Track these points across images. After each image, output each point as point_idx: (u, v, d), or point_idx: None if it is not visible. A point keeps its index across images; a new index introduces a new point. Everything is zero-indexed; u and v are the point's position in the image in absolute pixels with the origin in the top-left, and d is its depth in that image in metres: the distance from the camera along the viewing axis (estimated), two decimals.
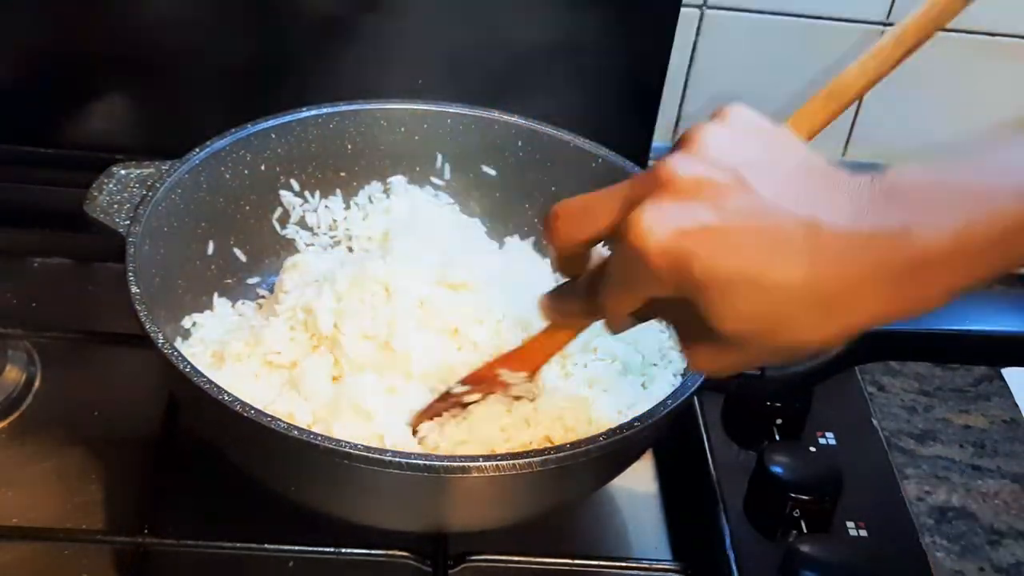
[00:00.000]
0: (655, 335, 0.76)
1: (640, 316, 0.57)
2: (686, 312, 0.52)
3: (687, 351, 0.56)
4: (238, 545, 0.73)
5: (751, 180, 0.51)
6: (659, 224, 0.51)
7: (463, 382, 0.70)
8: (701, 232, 0.50)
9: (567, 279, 0.61)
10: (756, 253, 0.50)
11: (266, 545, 0.73)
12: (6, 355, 0.86)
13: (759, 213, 0.50)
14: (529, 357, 0.68)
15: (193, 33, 0.94)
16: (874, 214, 0.50)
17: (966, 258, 0.50)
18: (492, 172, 0.87)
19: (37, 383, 0.86)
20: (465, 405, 0.69)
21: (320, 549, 0.73)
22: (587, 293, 0.58)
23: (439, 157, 0.87)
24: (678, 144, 0.54)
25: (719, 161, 0.52)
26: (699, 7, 1.00)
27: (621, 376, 0.74)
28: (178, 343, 0.75)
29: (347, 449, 0.62)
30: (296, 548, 0.73)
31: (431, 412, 0.70)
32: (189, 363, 0.65)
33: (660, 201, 0.51)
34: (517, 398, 0.70)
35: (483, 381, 0.69)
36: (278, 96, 0.85)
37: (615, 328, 0.59)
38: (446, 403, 0.70)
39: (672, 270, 0.51)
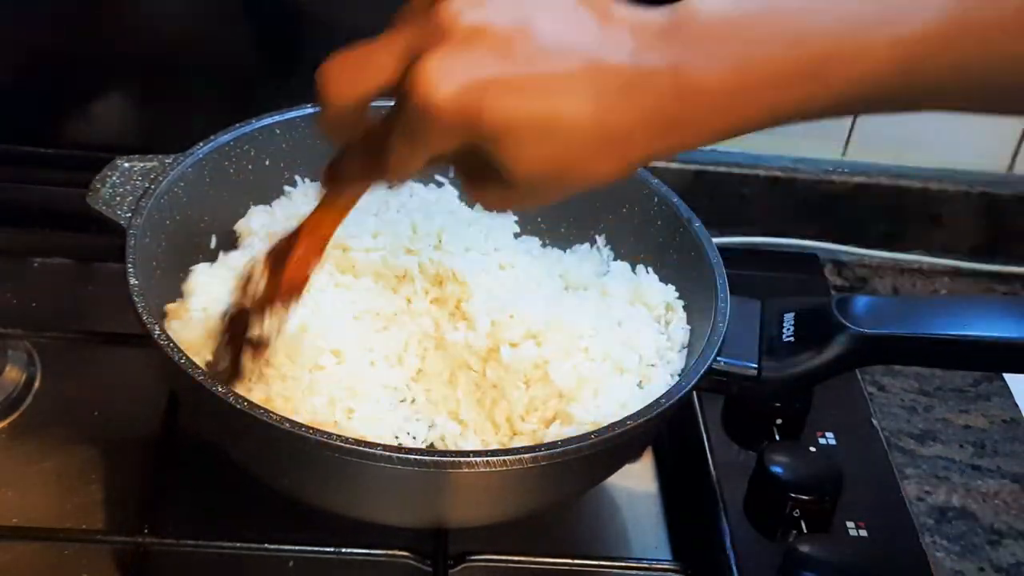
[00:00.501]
0: (654, 336, 0.76)
1: (424, 167, 0.56)
2: (473, 159, 0.52)
3: (474, 195, 0.57)
4: (238, 545, 0.73)
5: (533, 23, 0.51)
6: (447, 77, 0.50)
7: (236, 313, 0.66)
8: (490, 82, 0.50)
9: (338, 143, 0.59)
10: (545, 98, 0.50)
11: (266, 545, 0.73)
12: (6, 355, 0.86)
13: (544, 57, 0.50)
14: (313, 237, 0.64)
15: (193, 33, 0.94)
16: (652, 50, 0.51)
17: (734, 100, 0.51)
18: None
19: (37, 383, 0.86)
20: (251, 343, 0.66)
21: (320, 549, 0.73)
22: (366, 154, 0.56)
23: None
24: None
25: (499, 6, 0.51)
26: None
27: (615, 376, 0.74)
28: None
29: (338, 443, 0.62)
30: (296, 548, 0.73)
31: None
32: (184, 355, 0.65)
33: (444, 52, 0.50)
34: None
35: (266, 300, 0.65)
36: (278, 96, 0.85)
37: (399, 180, 0.57)
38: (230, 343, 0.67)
39: (462, 123, 0.50)
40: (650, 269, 0.81)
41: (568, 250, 0.84)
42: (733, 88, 0.50)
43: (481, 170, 0.53)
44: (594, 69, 0.51)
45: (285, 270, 0.64)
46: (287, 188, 0.84)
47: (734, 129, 0.52)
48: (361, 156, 0.57)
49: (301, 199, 0.82)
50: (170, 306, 0.74)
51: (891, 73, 0.50)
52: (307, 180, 0.84)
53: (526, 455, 0.63)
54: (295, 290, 0.65)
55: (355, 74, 0.54)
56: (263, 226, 0.80)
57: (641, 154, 0.53)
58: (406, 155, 0.54)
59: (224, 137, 0.81)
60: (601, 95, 0.51)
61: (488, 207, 0.58)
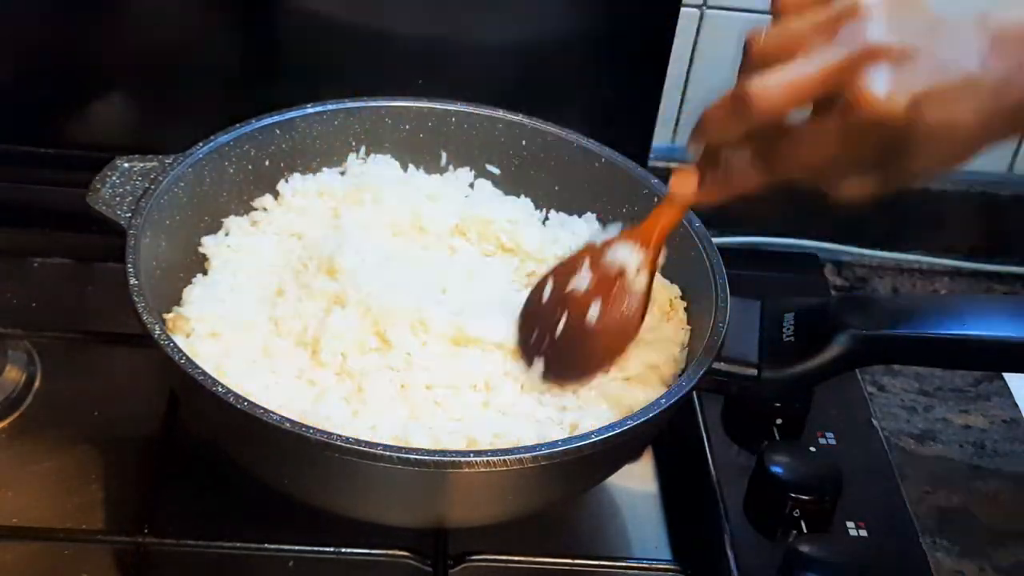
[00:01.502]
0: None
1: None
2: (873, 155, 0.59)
3: (843, 189, 0.62)
4: (238, 545, 0.73)
5: (919, 42, 0.57)
6: (893, 90, 0.56)
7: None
8: (925, 94, 0.56)
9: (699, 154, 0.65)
10: (957, 107, 0.57)
11: (266, 545, 0.73)
12: (6, 355, 0.86)
13: (943, 72, 0.57)
14: (646, 232, 0.70)
15: (193, 34, 0.94)
16: (995, 61, 0.57)
17: None
18: (495, 170, 0.87)
19: (37, 383, 0.86)
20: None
21: (320, 549, 0.73)
22: (759, 154, 0.62)
23: (443, 155, 0.87)
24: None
25: (888, 23, 0.57)
26: (699, 7, 1.00)
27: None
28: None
29: (338, 442, 0.62)
30: (296, 548, 0.73)
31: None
32: (184, 355, 0.65)
33: (878, 69, 0.56)
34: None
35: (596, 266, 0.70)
36: (278, 97, 0.85)
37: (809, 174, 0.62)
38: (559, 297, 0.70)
39: (907, 127, 0.57)
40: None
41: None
42: None
43: (866, 165, 0.60)
44: (972, 81, 0.57)
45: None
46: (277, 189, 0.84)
47: None
48: (755, 155, 0.63)
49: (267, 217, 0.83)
50: (167, 316, 0.74)
51: None
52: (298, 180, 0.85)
53: (526, 455, 0.63)
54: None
55: (787, 88, 0.59)
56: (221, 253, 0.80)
57: (980, 149, 0.59)
58: (830, 157, 0.60)
59: (224, 137, 0.81)
60: (978, 105, 0.57)
61: (848, 197, 0.62)
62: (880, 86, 0.56)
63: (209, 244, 0.79)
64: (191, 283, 0.77)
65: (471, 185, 0.87)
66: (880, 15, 0.57)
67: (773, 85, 0.58)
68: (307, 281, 0.75)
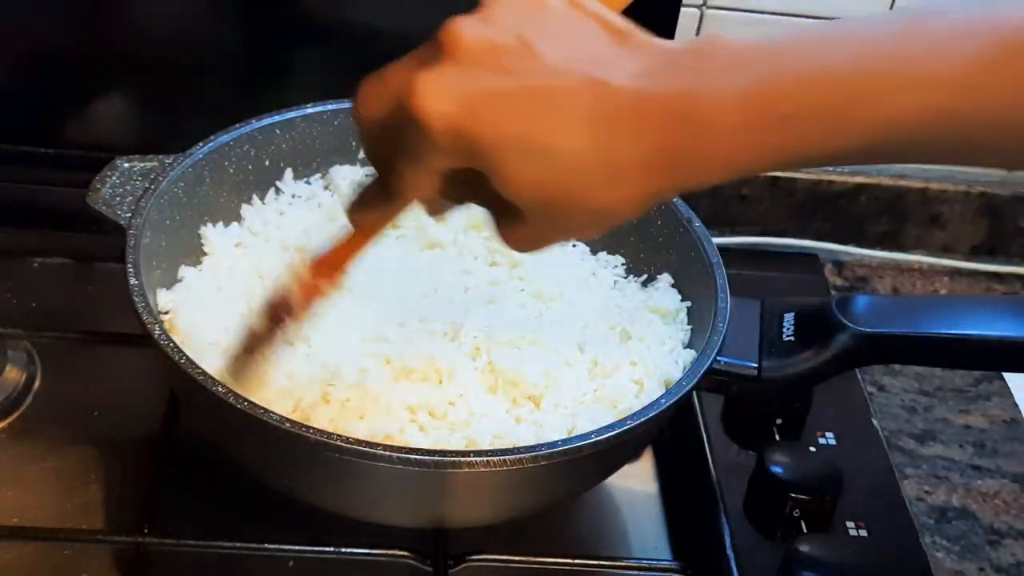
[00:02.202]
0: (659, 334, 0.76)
1: (449, 196, 0.55)
2: (485, 188, 0.51)
3: (499, 233, 0.54)
4: (238, 545, 0.73)
5: (538, 41, 0.49)
6: (437, 90, 0.49)
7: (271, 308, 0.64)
8: (482, 97, 0.48)
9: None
10: (540, 117, 0.48)
11: (266, 545, 0.73)
12: (6, 355, 0.86)
13: (543, 76, 0.48)
14: (335, 262, 0.62)
15: (193, 33, 0.94)
16: (663, 75, 0.48)
17: (745, 133, 0.47)
18: None
19: (37, 383, 0.86)
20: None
21: (320, 549, 0.73)
22: (385, 184, 0.55)
23: None
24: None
25: (505, 22, 0.50)
26: (699, 7, 1.00)
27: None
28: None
29: (337, 442, 0.62)
30: (296, 548, 0.73)
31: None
32: (184, 355, 0.65)
33: (441, 67, 0.49)
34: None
35: (289, 304, 0.63)
36: (278, 97, 0.85)
37: (431, 211, 0.57)
38: (259, 338, 0.65)
39: (454, 137, 0.49)
40: (660, 276, 0.81)
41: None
42: (744, 120, 0.47)
43: (500, 204, 0.52)
44: (597, 91, 0.48)
45: (298, 292, 0.63)
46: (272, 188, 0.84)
47: (745, 166, 0.49)
48: (381, 187, 0.56)
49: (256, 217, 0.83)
50: (166, 316, 0.74)
51: (915, 119, 0.46)
52: (295, 180, 0.85)
53: (526, 455, 0.63)
54: (298, 315, 0.64)
55: (378, 92, 0.54)
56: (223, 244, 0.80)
57: (648, 187, 0.50)
58: (409, 173, 0.52)
59: (224, 137, 0.81)
60: (601, 117, 0.48)
61: (516, 248, 0.55)
62: (425, 83, 0.49)
63: (208, 236, 0.80)
64: (180, 279, 0.77)
65: None
66: (496, 6, 0.50)
67: (367, 81, 0.54)
68: None
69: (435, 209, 0.58)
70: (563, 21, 0.51)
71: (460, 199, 0.56)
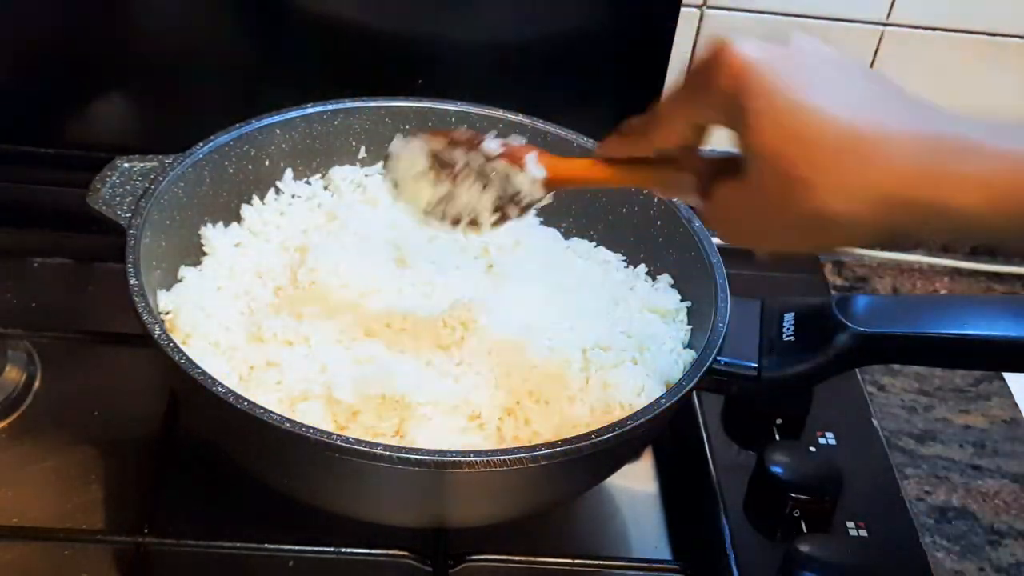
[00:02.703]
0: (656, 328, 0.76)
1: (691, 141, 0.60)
2: (715, 166, 0.57)
3: (710, 202, 0.59)
4: (238, 545, 0.73)
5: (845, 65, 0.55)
6: (749, 46, 0.55)
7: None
8: (773, 58, 0.54)
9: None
10: (818, 87, 0.53)
11: (266, 545, 0.73)
12: (6, 355, 0.86)
13: (837, 81, 0.54)
14: (560, 167, 0.67)
15: (193, 33, 0.94)
16: (936, 124, 0.53)
17: (986, 206, 0.51)
18: None
19: (37, 383, 0.86)
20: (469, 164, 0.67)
21: (320, 549, 0.73)
22: (648, 116, 0.61)
23: None
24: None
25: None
26: (699, 7, 1.00)
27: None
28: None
29: (338, 442, 0.62)
30: (296, 548, 0.73)
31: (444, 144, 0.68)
32: (185, 355, 0.65)
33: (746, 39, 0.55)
34: (512, 198, 0.67)
35: (509, 154, 0.67)
36: (278, 97, 0.85)
37: (664, 141, 0.61)
38: (462, 146, 0.67)
39: (741, 74, 0.54)
40: (660, 276, 0.81)
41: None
42: (986, 197, 0.51)
43: (722, 175, 0.57)
44: (879, 105, 0.54)
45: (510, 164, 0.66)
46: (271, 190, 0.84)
47: (962, 233, 0.55)
48: (639, 118, 0.62)
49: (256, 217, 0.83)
50: (166, 316, 0.74)
51: None
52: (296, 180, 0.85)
53: (526, 455, 0.63)
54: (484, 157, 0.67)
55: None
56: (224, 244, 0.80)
57: (879, 210, 0.53)
58: (675, 100, 0.59)
59: (224, 137, 0.81)
60: (861, 111, 0.53)
61: (724, 225, 0.60)
62: (740, 40, 0.55)
63: (208, 236, 0.80)
64: (180, 280, 0.77)
65: None
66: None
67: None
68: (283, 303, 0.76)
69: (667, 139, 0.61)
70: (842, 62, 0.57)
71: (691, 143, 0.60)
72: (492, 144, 0.67)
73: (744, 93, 0.54)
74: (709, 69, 0.56)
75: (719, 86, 0.55)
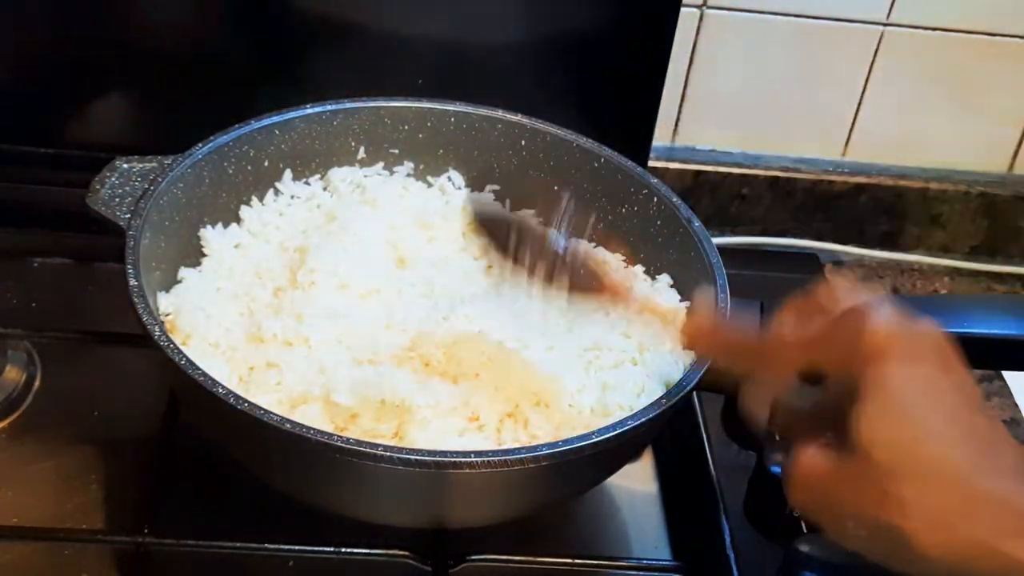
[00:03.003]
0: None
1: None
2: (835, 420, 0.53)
3: (806, 462, 0.55)
4: (238, 545, 0.73)
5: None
6: (892, 315, 0.52)
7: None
8: (910, 344, 0.52)
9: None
10: (938, 436, 0.51)
11: (266, 545, 0.73)
12: (6, 355, 0.86)
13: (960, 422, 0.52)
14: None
15: (193, 33, 0.94)
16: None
17: None
18: (495, 171, 0.87)
19: (37, 383, 0.86)
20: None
21: (320, 549, 0.73)
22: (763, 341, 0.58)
23: (441, 155, 0.87)
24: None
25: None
26: (699, 7, 1.01)
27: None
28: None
29: (338, 443, 0.62)
30: (296, 548, 0.73)
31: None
32: (185, 355, 0.65)
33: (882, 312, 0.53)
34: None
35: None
36: (278, 97, 0.85)
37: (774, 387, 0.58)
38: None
39: (868, 342, 0.52)
40: (660, 276, 0.81)
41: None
42: None
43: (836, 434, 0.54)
44: (982, 460, 0.52)
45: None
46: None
47: None
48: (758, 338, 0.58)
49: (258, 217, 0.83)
50: (167, 317, 0.74)
51: None
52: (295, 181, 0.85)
53: (526, 455, 0.63)
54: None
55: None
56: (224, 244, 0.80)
57: (973, 542, 0.52)
58: (795, 343, 0.55)
59: (223, 138, 0.81)
60: (978, 471, 0.51)
61: (804, 488, 0.56)
62: (885, 309, 0.52)
63: (208, 238, 0.80)
64: (180, 280, 0.77)
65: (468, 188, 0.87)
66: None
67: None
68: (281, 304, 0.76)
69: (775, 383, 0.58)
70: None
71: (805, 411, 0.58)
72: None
73: (875, 375, 0.52)
74: (840, 331, 0.53)
75: (850, 351, 0.53)
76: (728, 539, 0.75)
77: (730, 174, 1.07)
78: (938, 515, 0.52)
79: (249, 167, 0.82)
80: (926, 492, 0.52)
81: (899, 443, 0.52)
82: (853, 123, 1.08)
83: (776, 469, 0.76)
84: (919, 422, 0.52)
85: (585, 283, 0.70)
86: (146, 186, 0.76)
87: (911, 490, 0.52)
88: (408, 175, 0.87)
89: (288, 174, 0.84)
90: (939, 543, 0.52)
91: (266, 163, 0.83)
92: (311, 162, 0.85)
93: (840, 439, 0.53)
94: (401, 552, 0.73)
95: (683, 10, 0.95)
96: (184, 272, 0.78)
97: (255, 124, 0.82)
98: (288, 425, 0.62)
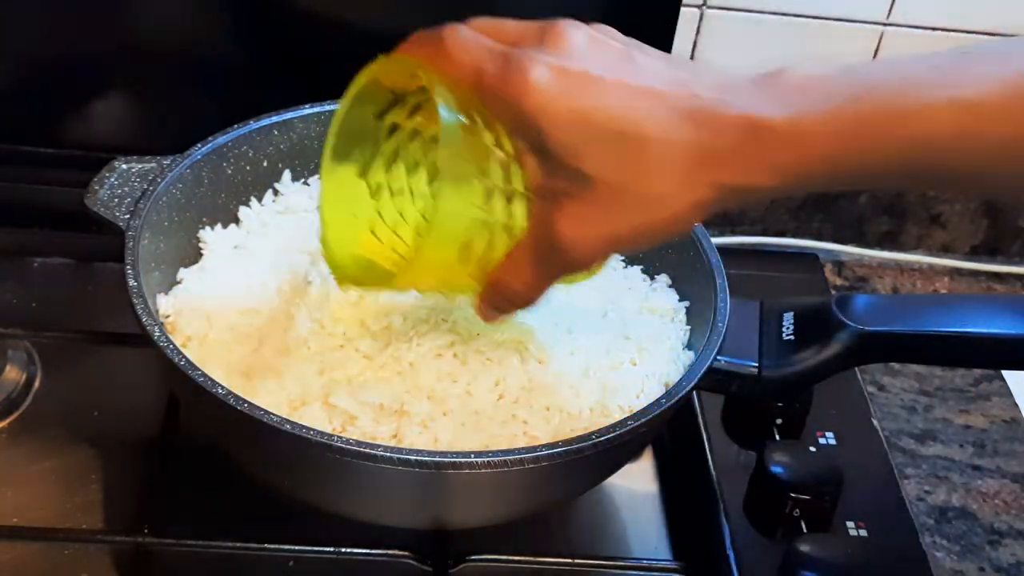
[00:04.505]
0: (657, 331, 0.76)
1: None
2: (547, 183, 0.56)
3: (557, 222, 0.57)
4: (238, 545, 0.73)
5: (636, 52, 0.57)
6: (542, 67, 0.54)
7: None
8: (576, 75, 0.54)
9: None
10: (624, 101, 0.54)
11: (266, 545, 0.73)
12: (6, 355, 0.86)
13: (636, 73, 0.55)
14: None
15: (193, 34, 0.94)
16: (732, 94, 0.55)
17: (795, 143, 0.54)
18: None
19: (37, 383, 0.86)
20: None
21: (320, 549, 0.73)
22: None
23: None
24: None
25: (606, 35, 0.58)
26: (699, 7, 1.00)
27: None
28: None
29: (338, 444, 0.62)
30: (296, 548, 0.73)
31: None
32: (184, 356, 0.65)
33: (550, 52, 0.55)
34: None
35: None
36: (277, 97, 0.85)
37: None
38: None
39: (540, 105, 0.54)
40: (659, 276, 0.81)
41: None
42: (795, 131, 0.53)
43: (558, 192, 0.56)
44: (677, 93, 0.54)
45: None
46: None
47: (794, 174, 0.55)
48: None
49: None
50: (167, 319, 0.74)
51: (949, 137, 0.52)
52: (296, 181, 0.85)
53: (526, 455, 0.63)
54: None
55: (477, 49, 0.57)
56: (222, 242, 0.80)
57: (703, 184, 0.55)
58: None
59: (222, 138, 0.81)
60: (673, 113, 0.54)
61: (572, 235, 0.57)
62: (530, 58, 0.54)
63: (207, 239, 0.80)
64: (179, 281, 0.77)
65: None
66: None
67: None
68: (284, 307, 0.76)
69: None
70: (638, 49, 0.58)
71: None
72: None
73: (545, 124, 0.54)
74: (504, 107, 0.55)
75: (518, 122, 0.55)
76: (728, 539, 0.76)
77: None
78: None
79: (248, 167, 0.82)
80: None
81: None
82: None
83: (776, 469, 0.76)
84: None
85: None
86: (145, 186, 0.76)
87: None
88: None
89: (287, 175, 0.84)
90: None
91: (265, 163, 0.83)
92: (310, 162, 0.85)
93: None
94: (401, 552, 0.73)
95: (683, 10, 0.95)
96: (183, 273, 0.78)
97: (254, 124, 0.82)
98: (288, 426, 0.62)
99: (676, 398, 0.68)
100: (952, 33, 1.02)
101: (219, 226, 0.81)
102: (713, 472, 0.80)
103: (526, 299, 0.62)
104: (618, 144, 0.54)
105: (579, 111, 0.54)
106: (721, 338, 0.71)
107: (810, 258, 1.07)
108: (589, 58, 0.55)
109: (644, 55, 0.57)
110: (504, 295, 0.62)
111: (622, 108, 0.54)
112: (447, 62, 0.57)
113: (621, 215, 0.56)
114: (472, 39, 0.57)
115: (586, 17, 0.96)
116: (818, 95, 0.54)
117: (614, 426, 0.65)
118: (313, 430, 0.63)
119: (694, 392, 0.71)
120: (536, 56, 0.54)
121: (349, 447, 0.62)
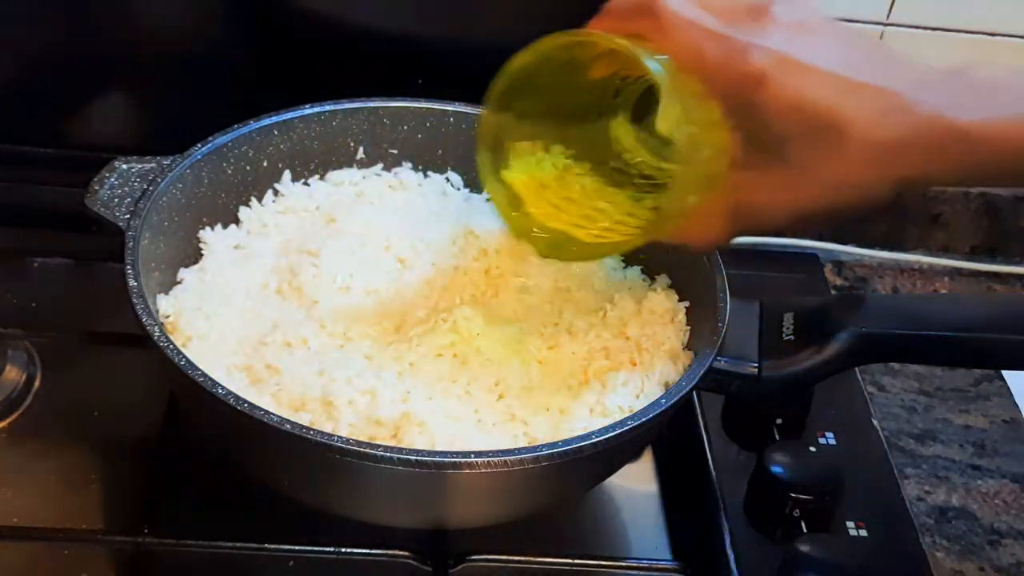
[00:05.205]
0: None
1: None
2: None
3: (745, 182, 0.62)
4: (238, 545, 0.73)
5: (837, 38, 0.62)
6: (762, 50, 0.59)
7: None
8: (794, 66, 0.59)
9: None
10: (839, 99, 0.58)
11: (266, 545, 0.73)
12: (6, 355, 0.86)
13: (848, 65, 0.59)
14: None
15: (193, 34, 0.94)
16: (926, 90, 0.58)
17: (986, 144, 0.57)
18: None
19: (37, 383, 0.86)
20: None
21: (320, 549, 0.73)
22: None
23: (441, 155, 0.87)
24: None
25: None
26: None
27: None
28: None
29: (338, 444, 0.62)
30: (296, 548, 0.73)
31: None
32: (184, 356, 0.65)
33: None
34: None
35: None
36: (276, 98, 0.85)
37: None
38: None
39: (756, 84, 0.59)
40: (658, 276, 0.81)
41: None
42: (984, 136, 0.57)
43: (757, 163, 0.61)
44: (881, 90, 0.58)
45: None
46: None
47: (968, 171, 0.59)
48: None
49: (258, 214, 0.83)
50: (167, 319, 0.74)
51: None
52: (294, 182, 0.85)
53: (526, 455, 0.63)
54: None
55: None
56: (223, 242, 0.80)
57: (890, 177, 0.59)
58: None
59: (222, 138, 0.81)
60: (876, 111, 0.58)
61: (764, 202, 0.63)
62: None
63: (207, 239, 0.80)
64: (179, 281, 0.77)
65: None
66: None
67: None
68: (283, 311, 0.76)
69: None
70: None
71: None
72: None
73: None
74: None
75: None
76: (728, 539, 0.76)
77: None
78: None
79: (248, 168, 0.82)
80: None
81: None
82: None
83: (776, 469, 0.76)
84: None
85: None
86: (145, 187, 0.76)
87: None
88: (407, 175, 0.87)
89: (287, 175, 0.84)
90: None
91: (265, 164, 0.83)
92: (310, 162, 0.85)
93: None
94: (401, 552, 0.73)
95: None
96: (183, 273, 0.78)
97: (254, 125, 0.82)
98: (288, 426, 0.62)
99: (676, 398, 0.68)
100: (952, 33, 1.02)
101: (219, 226, 0.81)
102: (713, 472, 0.80)
103: (710, 248, 0.72)
104: (825, 135, 0.58)
105: (796, 103, 0.58)
106: (721, 338, 0.71)
107: (810, 258, 1.07)
108: (802, 45, 0.59)
109: (845, 40, 0.61)
110: (692, 242, 0.68)
111: (835, 103, 0.58)
112: (665, 39, 0.61)
113: (808, 193, 0.61)
114: (687, 16, 0.61)
115: (586, 19, 0.96)
116: (1008, 99, 0.57)
117: (614, 426, 0.65)
118: (313, 430, 0.63)
119: (694, 392, 0.71)
120: (757, 44, 0.59)
121: (349, 447, 0.62)
